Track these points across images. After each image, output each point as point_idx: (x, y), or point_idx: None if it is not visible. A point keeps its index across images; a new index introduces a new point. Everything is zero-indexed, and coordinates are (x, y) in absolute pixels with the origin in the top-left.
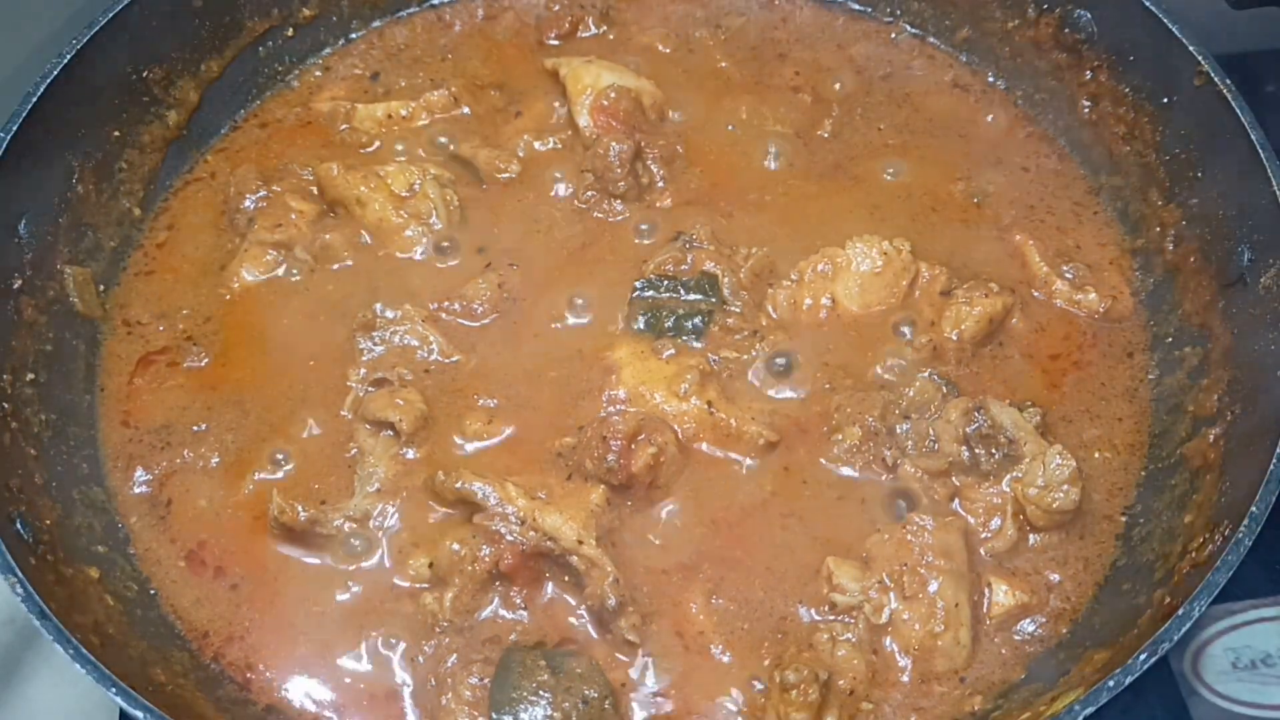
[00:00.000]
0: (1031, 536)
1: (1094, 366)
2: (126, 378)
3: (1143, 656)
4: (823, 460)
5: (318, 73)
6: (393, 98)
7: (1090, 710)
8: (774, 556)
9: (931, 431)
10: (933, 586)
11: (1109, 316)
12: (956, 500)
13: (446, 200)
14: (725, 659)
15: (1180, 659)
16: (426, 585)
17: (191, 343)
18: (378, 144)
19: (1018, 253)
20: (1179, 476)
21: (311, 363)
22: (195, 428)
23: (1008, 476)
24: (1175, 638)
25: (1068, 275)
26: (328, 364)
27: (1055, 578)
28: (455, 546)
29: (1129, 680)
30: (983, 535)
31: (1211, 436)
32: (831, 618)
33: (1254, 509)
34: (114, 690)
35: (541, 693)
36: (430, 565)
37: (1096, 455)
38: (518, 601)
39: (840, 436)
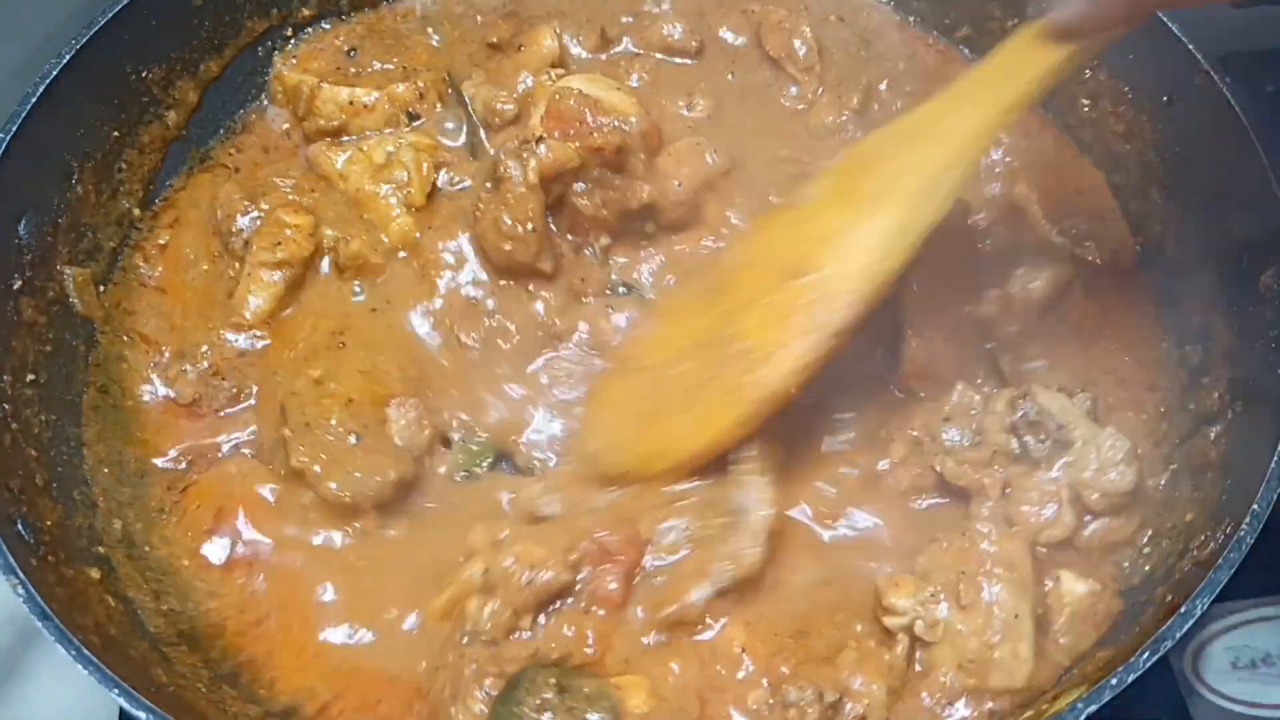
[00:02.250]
0: (1089, 526)
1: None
2: (159, 413)
3: (1145, 654)
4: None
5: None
6: (361, 82)
7: (1093, 708)
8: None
9: (974, 427)
10: (990, 595)
11: (1115, 264)
12: (1008, 490)
13: (420, 164)
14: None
15: (1180, 658)
16: (478, 590)
17: (220, 378)
18: (343, 130)
19: (1019, 208)
20: (1181, 474)
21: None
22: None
23: (1060, 463)
24: (1178, 635)
25: (1070, 230)
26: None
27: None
28: (509, 562)
29: (1131, 678)
30: (1040, 525)
31: (1212, 435)
32: (861, 632)
33: (1255, 507)
34: (116, 691)
35: (543, 712)
36: (486, 572)
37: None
38: (562, 632)
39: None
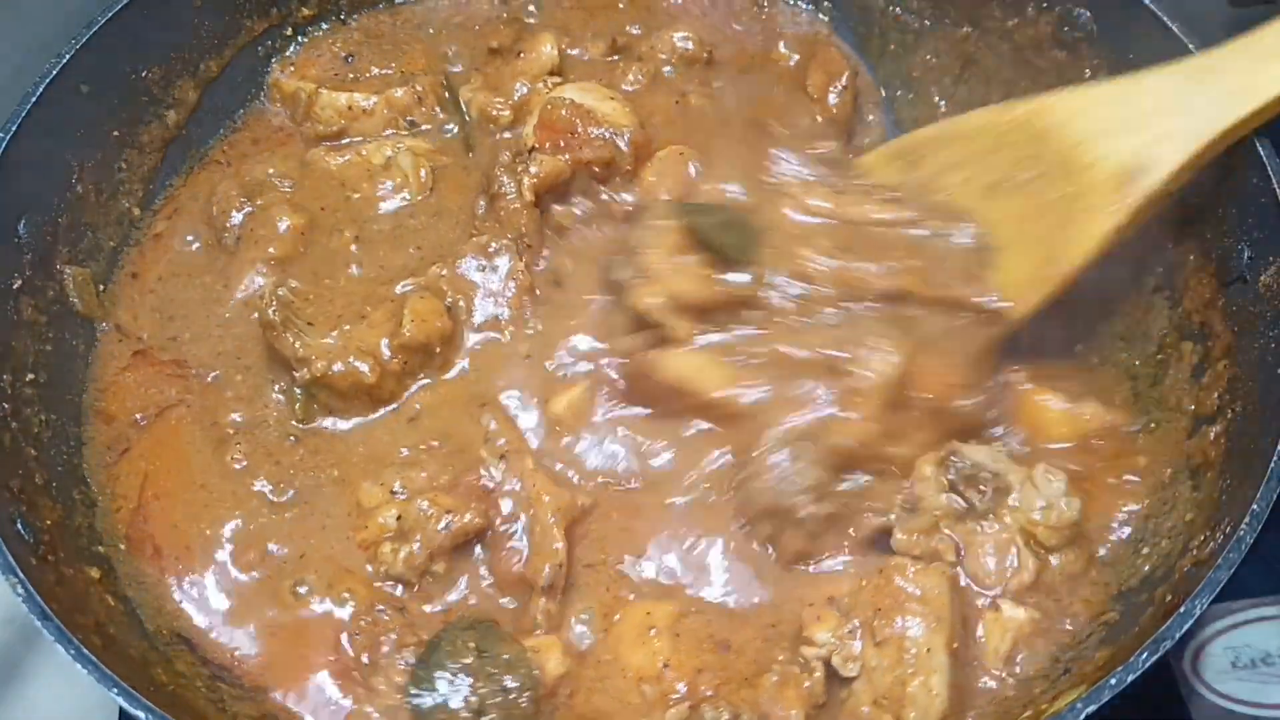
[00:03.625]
0: (1051, 560)
1: None
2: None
3: (1144, 655)
4: None
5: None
6: (359, 87)
7: (1092, 708)
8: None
9: (908, 496)
10: (900, 629)
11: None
12: (963, 552)
13: (418, 169)
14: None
15: (1180, 658)
16: (390, 536)
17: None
18: (342, 134)
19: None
20: (1180, 474)
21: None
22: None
23: (1005, 509)
24: (1177, 635)
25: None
26: None
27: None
28: (424, 505)
29: (1131, 679)
30: (1006, 575)
31: (1212, 434)
32: (783, 659)
33: (1255, 507)
34: (116, 690)
35: (463, 675)
36: (399, 518)
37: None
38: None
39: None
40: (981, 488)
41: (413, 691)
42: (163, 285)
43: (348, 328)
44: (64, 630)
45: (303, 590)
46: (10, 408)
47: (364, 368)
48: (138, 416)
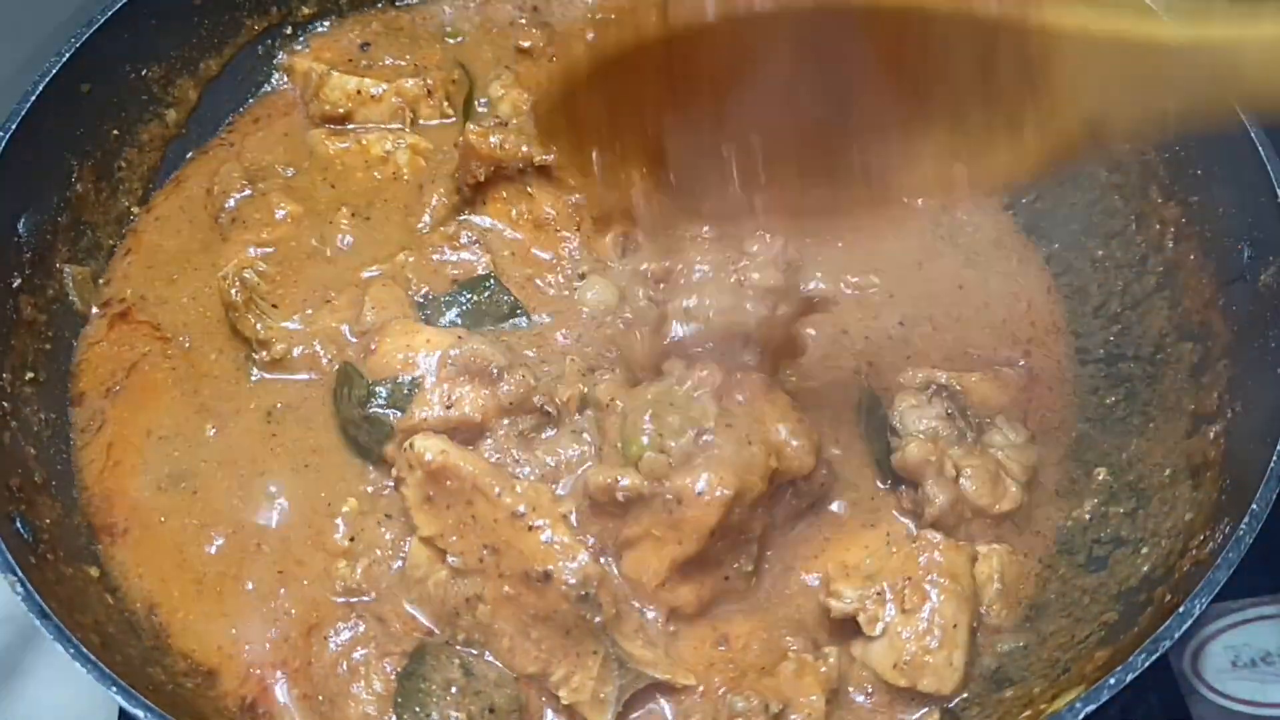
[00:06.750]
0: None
1: None
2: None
3: (1143, 655)
4: None
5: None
6: (371, 74)
7: (1091, 708)
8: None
9: (902, 424)
10: (934, 604)
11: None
12: (964, 475)
13: (414, 166)
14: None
15: (1180, 657)
16: (342, 553)
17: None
18: (347, 118)
19: None
20: (1180, 474)
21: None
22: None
23: (986, 440)
24: (1176, 635)
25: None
26: None
27: None
28: (382, 530)
29: (1130, 678)
30: (995, 498)
31: (1212, 434)
32: (796, 648)
33: (1255, 506)
34: (114, 689)
35: (451, 690)
36: (352, 540)
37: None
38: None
39: None
40: (970, 417)
41: (399, 701)
42: (151, 249)
43: (310, 312)
44: (63, 629)
45: (251, 585)
46: (10, 406)
47: (324, 352)
48: (114, 387)
